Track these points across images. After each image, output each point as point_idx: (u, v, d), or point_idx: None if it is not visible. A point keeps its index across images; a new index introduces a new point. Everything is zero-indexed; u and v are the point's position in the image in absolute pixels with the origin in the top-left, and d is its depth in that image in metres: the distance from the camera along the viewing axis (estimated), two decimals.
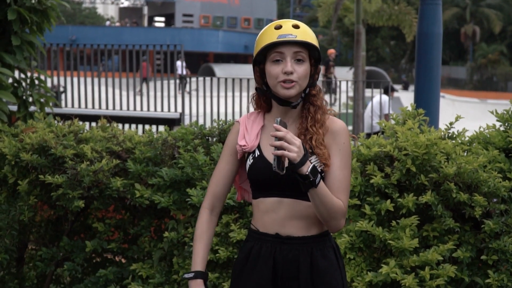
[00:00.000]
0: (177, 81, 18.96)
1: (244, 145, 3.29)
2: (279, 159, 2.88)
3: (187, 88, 20.00)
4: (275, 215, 3.19)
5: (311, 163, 2.95)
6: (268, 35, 3.16)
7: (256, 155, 3.24)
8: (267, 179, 3.18)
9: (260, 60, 3.24)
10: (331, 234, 3.30)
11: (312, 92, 3.24)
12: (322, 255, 3.20)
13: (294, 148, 2.87)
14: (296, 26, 3.15)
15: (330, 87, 17.16)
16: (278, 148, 2.87)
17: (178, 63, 35.96)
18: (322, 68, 18.30)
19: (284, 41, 3.12)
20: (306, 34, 3.15)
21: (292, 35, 3.11)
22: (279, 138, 2.87)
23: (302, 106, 3.24)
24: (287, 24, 3.16)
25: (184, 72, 34.79)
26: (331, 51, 30.50)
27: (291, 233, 3.19)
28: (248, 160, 3.28)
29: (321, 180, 2.98)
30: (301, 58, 3.14)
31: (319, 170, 3.03)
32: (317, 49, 3.18)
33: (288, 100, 3.18)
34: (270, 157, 3.16)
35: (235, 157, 3.36)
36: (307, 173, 2.91)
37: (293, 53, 3.13)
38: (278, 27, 3.15)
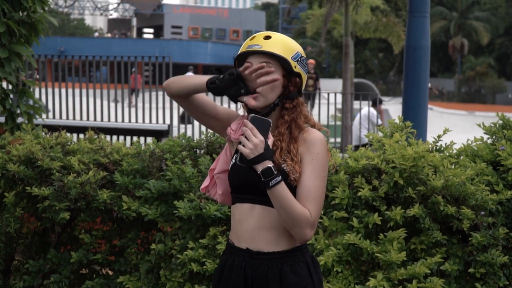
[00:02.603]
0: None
1: (234, 131, 3.31)
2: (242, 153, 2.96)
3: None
4: (246, 225, 3.19)
5: (270, 165, 2.96)
6: (244, 45, 3.22)
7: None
8: (241, 181, 3.21)
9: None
10: (307, 248, 3.28)
11: (285, 105, 3.22)
12: (292, 271, 3.18)
13: (249, 145, 2.92)
14: (267, 37, 3.17)
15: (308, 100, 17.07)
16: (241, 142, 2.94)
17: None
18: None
19: (248, 51, 3.16)
20: (275, 45, 3.15)
21: (258, 45, 3.14)
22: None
23: (277, 118, 3.25)
24: (260, 36, 3.19)
25: None
26: (310, 62, 29.26)
27: (261, 248, 3.18)
28: (232, 160, 3.31)
29: (281, 184, 2.98)
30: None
31: (275, 173, 2.99)
32: (285, 59, 3.16)
33: (255, 110, 3.19)
34: None
35: (225, 116, 3.42)
36: (258, 172, 2.95)
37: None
38: (252, 38, 3.20)
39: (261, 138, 2.95)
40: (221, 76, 3.10)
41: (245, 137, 2.94)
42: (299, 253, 3.21)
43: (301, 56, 3.24)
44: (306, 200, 3.09)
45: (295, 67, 3.19)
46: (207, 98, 3.39)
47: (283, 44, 3.17)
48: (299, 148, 3.18)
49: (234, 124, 3.34)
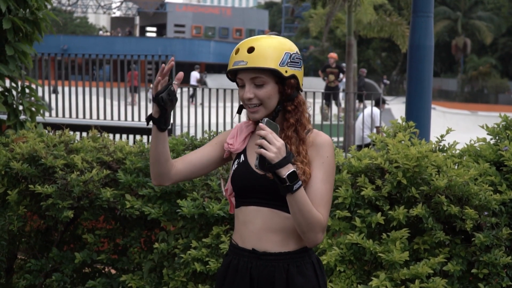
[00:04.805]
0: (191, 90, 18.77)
1: (231, 144, 3.29)
2: (262, 158, 2.88)
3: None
4: (252, 227, 3.17)
5: (293, 168, 2.93)
6: (230, 60, 3.15)
7: (241, 160, 3.24)
8: (248, 184, 3.18)
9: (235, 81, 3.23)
10: (312, 249, 3.25)
11: (287, 108, 3.19)
12: (299, 272, 3.16)
13: (273, 149, 2.85)
14: (250, 50, 3.09)
15: (330, 98, 16.78)
16: (260, 147, 2.87)
17: (194, 73, 36.09)
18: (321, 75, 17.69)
19: (235, 69, 3.10)
20: (259, 57, 3.07)
21: (243, 62, 3.07)
22: (263, 138, 2.87)
23: (281, 122, 3.22)
24: (244, 48, 3.10)
25: (195, 83, 34.93)
26: (331, 55, 28.58)
27: (267, 248, 3.16)
28: (233, 165, 3.28)
29: (301, 188, 2.95)
30: (260, 82, 3.09)
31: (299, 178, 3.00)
32: (273, 70, 3.08)
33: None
34: (253, 163, 3.15)
35: (218, 147, 3.36)
36: (284, 176, 2.88)
37: (250, 79, 3.10)
38: (237, 52, 3.12)
39: (282, 141, 2.90)
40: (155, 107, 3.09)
41: (267, 141, 2.87)
42: (305, 254, 3.19)
43: (291, 55, 3.15)
44: (319, 205, 3.07)
45: (286, 71, 3.12)
46: (194, 155, 3.36)
47: (268, 53, 3.08)
48: (307, 150, 3.16)
49: (230, 139, 3.32)
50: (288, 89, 3.15)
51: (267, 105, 3.12)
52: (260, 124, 2.91)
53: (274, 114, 3.16)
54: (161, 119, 3.12)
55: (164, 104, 3.04)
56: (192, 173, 3.38)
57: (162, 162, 3.26)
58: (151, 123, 3.15)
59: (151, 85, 13.05)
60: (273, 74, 3.10)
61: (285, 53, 3.13)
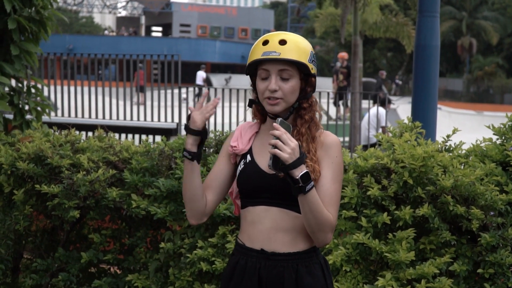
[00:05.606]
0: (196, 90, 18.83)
1: (235, 147, 3.29)
2: (275, 158, 2.88)
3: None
4: (261, 226, 3.16)
5: (306, 169, 2.93)
6: (256, 50, 3.13)
7: (248, 161, 3.23)
8: (256, 184, 3.17)
9: (252, 74, 3.24)
10: (319, 249, 3.25)
11: (303, 105, 3.20)
12: (308, 272, 3.16)
13: (287, 149, 2.85)
14: (282, 42, 3.09)
15: (336, 100, 16.64)
16: (274, 147, 2.87)
17: (200, 73, 36.16)
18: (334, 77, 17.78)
19: (267, 59, 3.09)
20: (292, 50, 3.08)
21: (276, 52, 3.07)
22: (277, 138, 2.87)
23: (294, 119, 3.24)
24: (275, 39, 3.11)
25: (202, 83, 35.01)
26: (341, 55, 27.83)
27: (276, 248, 3.15)
28: (239, 166, 3.26)
29: (313, 189, 2.95)
30: (286, 75, 3.10)
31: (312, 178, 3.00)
32: (304, 65, 3.11)
33: (276, 115, 3.17)
34: (261, 163, 3.17)
35: (227, 158, 3.34)
36: (297, 177, 2.89)
37: (277, 71, 3.09)
38: (265, 43, 3.11)
39: (296, 142, 2.90)
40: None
41: (281, 141, 2.87)
42: (313, 254, 3.19)
43: (314, 54, 3.20)
44: (329, 204, 3.08)
45: (312, 68, 3.16)
46: (211, 181, 3.35)
47: (298, 47, 3.11)
48: (316, 149, 3.17)
49: (233, 142, 3.32)
50: (308, 87, 3.19)
51: (288, 100, 3.13)
52: (274, 124, 2.90)
53: (292, 110, 3.17)
54: (200, 151, 3.20)
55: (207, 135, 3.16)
56: (219, 197, 3.36)
57: (199, 198, 3.26)
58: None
59: (157, 85, 13.01)
60: (300, 69, 3.13)
61: (310, 51, 3.17)
